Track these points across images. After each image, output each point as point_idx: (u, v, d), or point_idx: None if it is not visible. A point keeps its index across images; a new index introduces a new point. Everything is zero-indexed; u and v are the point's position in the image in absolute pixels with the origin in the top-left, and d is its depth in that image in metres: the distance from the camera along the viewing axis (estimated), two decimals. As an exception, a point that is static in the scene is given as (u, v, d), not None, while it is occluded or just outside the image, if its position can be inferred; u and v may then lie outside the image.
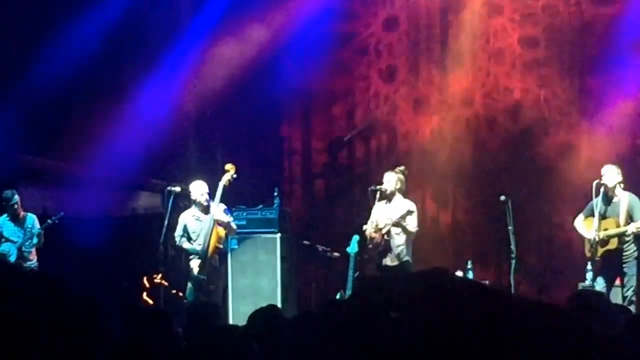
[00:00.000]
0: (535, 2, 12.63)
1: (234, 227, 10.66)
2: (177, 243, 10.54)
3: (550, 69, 12.63)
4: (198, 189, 10.49)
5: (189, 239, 10.43)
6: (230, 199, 11.39)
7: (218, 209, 10.38)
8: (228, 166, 10.59)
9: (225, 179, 10.48)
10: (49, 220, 11.38)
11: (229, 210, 10.67)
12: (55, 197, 12.28)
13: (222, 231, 10.44)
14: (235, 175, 10.52)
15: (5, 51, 11.66)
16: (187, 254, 10.44)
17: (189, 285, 10.30)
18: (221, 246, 10.51)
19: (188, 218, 10.52)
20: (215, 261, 10.41)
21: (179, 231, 10.49)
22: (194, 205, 10.52)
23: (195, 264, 10.28)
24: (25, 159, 12.12)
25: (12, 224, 11.33)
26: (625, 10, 12.15)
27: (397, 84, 13.23)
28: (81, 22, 11.84)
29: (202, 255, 10.27)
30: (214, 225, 10.31)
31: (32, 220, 11.39)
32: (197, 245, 10.34)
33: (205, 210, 10.44)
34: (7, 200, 11.23)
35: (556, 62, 12.63)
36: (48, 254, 11.36)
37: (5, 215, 11.34)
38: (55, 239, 11.47)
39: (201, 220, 10.41)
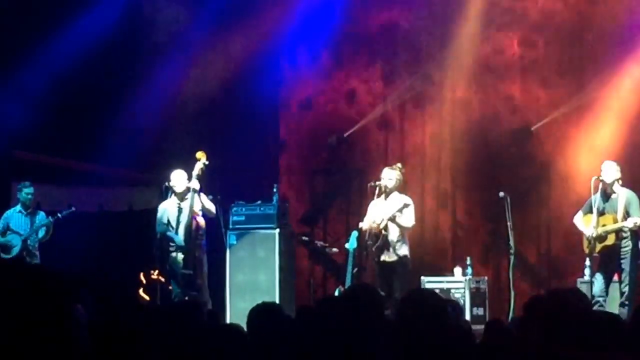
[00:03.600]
0: (534, 3, 12.61)
1: (210, 206, 10.33)
2: (162, 232, 10.27)
3: (550, 68, 12.60)
4: (181, 178, 10.27)
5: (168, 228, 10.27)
6: (229, 195, 11.38)
7: (196, 199, 10.22)
8: (199, 154, 10.27)
9: (197, 167, 10.22)
10: (59, 214, 11.39)
11: (204, 193, 10.36)
12: (50, 193, 12.27)
13: (201, 221, 10.30)
14: (207, 162, 10.23)
15: (3, 48, 11.68)
16: (169, 245, 10.21)
17: (172, 281, 10.16)
18: (203, 238, 10.36)
19: (168, 207, 10.32)
20: (199, 253, 10.24)
21: (162, 224, 10.26)
22: (173, 195, 10.31)
23: (179, 257, 10.16)
24: (20, 155, 12.10)
25: (22, 216, 11.37)
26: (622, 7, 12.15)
27: (396, 82, 13.19)
28: (77, 20, 11.86)
29: (184, 248, 10.15)
30: (192, 216, 10.19)
31: (42, 217, 11.42)
32: (178, 236, 10.19)
33: (183, 200, 10.27)
34: (25, 187, 11.25)
35: (555, 62, 12.60)
36: (46, 249, 11.39)
37: (16, 207, 11.40)
38: (52, 234, 11.49)
39: (181, 209, 10.25)
